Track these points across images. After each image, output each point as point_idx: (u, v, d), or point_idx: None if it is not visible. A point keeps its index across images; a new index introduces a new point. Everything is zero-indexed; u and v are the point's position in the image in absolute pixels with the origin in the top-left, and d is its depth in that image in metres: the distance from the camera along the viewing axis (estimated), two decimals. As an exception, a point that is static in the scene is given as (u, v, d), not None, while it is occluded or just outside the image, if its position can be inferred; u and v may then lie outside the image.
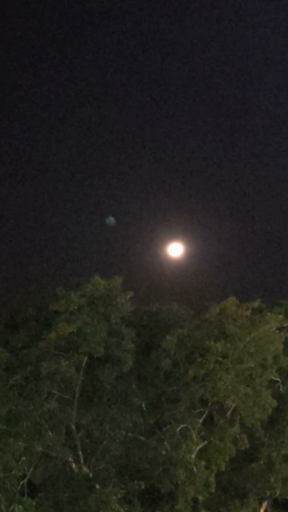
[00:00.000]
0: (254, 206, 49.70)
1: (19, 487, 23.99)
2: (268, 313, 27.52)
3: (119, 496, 24.41)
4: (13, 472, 23.21)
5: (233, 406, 26.22)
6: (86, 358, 25.93)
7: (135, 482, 25.30)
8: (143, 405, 26.42)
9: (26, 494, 24.20)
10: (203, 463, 25.14)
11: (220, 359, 26.31)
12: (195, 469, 25.06)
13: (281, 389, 28.26)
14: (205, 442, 25.93)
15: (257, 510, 27.60)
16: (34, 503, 23.87)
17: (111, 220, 38.27)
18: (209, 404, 26.32)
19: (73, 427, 25.63)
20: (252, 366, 26.55)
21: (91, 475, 25.42)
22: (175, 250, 36.80)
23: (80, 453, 25.81)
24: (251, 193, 50.14)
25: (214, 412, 26.70)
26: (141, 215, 47.22)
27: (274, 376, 27.81)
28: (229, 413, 26.53)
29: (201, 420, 26.18)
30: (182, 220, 45.21)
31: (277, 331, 27.34)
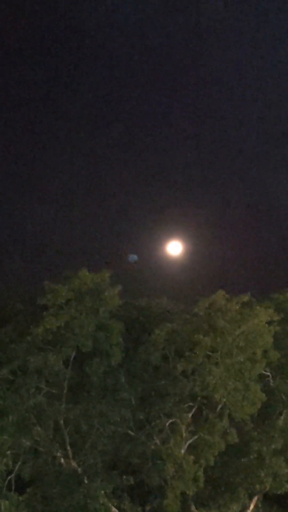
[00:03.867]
0: (255, 202, 49.61)
1: (6, 483, 23.89)
2: (258, 307, 27.34)
3: (107, 491, 24.37)
4: (-2, 468, 23.11)
5: (222, 400, 26.00)
6: (74, 353, 25.79)
7: (124, 477, 25.16)
8: (132, 399, 26.23)
9: (13, 490, 24.10)
10: (192, 457, 24.97)
11: (209, 353, 26.14)
12: (184, 464, 24.90)
13: (271, 384, 28.14)
14: (194, 436, 25.76)
15: (247, 505, 27.48)
16: (22, 499, 23.79)
17: (133, 257, 37.53)
18: (198, 398, 26.13)
19: (61, 421, 25.42)
20: (242, 360, 26.34)
21: (79, 470, 25.28)
22: (175, 248, 36.63)
23: (69, 448, 25.61)
24: (251, 191, 50.05)
25: (203, 407, 26.47)
26: (140, 213, 47.12)
27: (265, 371, 27.66)
28: (218, 407, 26.36)
29: (190, 415, 25.99)
30: (181, 218, 45.06)
31: (267, 325, 27.20)
